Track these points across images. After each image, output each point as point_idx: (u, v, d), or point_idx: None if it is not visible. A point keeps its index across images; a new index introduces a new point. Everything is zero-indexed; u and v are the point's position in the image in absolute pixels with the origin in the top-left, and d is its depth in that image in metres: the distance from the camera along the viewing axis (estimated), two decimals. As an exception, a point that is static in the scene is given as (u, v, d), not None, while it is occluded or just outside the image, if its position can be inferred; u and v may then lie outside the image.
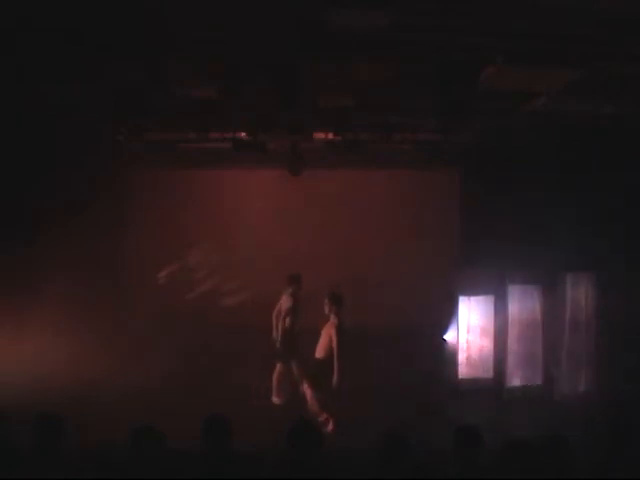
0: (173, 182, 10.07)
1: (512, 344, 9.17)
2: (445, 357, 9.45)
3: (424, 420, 7.18)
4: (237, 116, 7.98)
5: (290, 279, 8.13)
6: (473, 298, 9.24)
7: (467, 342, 9.23)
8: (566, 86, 6.45)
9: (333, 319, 7.03)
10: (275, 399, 7.89)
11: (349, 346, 7.15)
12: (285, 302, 8.07)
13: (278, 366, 7.97)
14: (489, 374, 9.19)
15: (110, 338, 9.25)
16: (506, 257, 8.88)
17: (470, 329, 9.25)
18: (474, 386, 9.01)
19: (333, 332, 6.93)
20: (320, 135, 8.55)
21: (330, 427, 6.99)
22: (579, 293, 9.26)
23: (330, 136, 8.50)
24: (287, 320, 8.01)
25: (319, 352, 7.10)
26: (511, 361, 9.15)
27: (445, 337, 10.16)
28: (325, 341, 7.03)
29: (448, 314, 9.59)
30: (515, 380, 9.13)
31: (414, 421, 6.94)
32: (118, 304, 9.78)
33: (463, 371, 9.15)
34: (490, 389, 9.02)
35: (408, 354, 9.03)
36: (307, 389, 7.21)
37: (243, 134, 8.40)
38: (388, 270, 9.88)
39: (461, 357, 9.19)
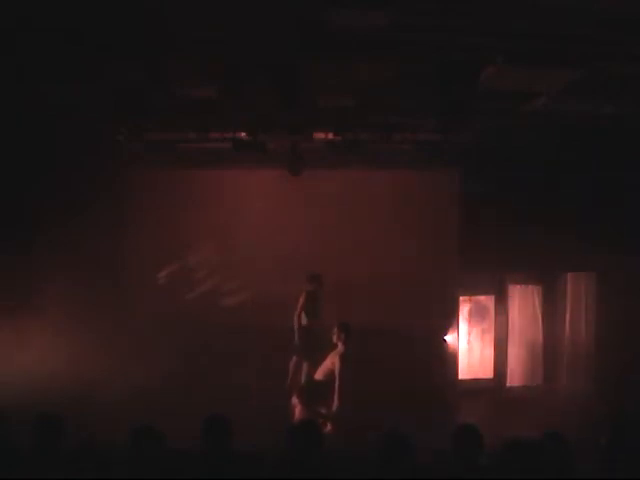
0: (173, 182, 10.04)
1: (512, 344, 9.19)
2: (445, 357, 9.44)
3: (424, 420, 7.18)
4: (237, 116, 7.98)
5: (310, 278, 8.38)
6: (473, 298, 9.25)
7: (467, 342, 9.24)
8: (566, 86, 6.45)
9: (340, 347, 7.04)
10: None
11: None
12: (301, 300, 8.41)
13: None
14: (489, 374, 9.20)
15: (110, 338, 9.24)
16: (506, 257, 8.89)
17: (470, 329, 9.26)
18: (474, 386, 9.02)
19: (337, 360, 6.92)
20: (320, 135, 8.54)
21: (329, 427, 6.99)
22: (579, 293, 9.28)
23: (330, 136, 8.49)
24: (303, 317, 8.39)
25: (319, 375, 7.14)
26: (511, 361, 9.16)
27: (445, 337, 10.16)
28: (328, 366, 7.03)
29: (448, 314, 9.58)
30: (515, 380, 9.14)
31: (414, 421, 6.94)
32: (118, 304, 9.77)
33: (463, 371, 9.16)
34: (490, 389, 9.03)
35: (408, 354, 9.02)
36: (297, 404, 7.21)
37: (243, 134, 8.40)
38: (388, 270, 9.86)
39: (461, 357, 9.20)
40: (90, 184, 9.45)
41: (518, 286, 9.21)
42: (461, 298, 9.23)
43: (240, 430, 3.99)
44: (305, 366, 8.28)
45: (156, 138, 8.53)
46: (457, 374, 9.12)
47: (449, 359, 9.32)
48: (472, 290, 9.21)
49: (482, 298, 9.23)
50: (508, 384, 9.09)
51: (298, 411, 7.09)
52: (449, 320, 9.58)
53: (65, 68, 6.15)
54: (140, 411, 6.68)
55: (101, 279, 9.52)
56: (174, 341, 9.23)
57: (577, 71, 6.01)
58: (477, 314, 9.24)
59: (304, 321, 8.43)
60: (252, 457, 3.94)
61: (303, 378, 8.21)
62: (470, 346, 9.23)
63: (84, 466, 3.77)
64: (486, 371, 9.19)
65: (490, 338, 9.21)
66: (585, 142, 8.54)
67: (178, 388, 8.18)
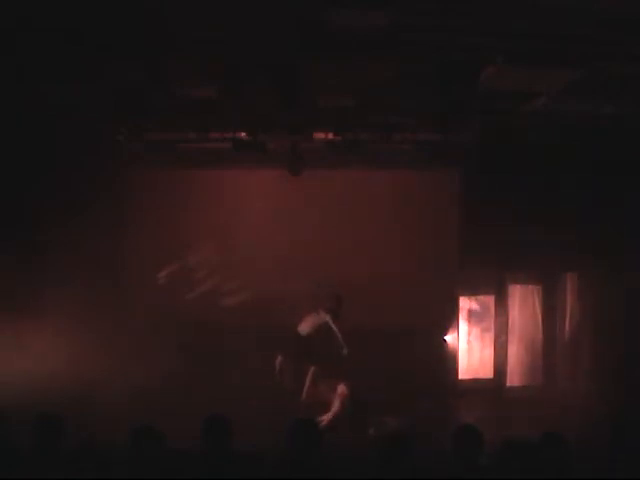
0: (173, 182, 10.04)
1: (512, 344, 9.19)
2: (445, 357, 9.44)
3: (424, 420, 7.18)
4: (237, 116, 7.99)
5: (329, 297, 8.04)
6: (473, 298, 9.25)
7: (467, 342, 9.24)
8: (566, 86, 6.46)
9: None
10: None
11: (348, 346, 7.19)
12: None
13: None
14: (489, 374, 9.20)
15: (110, 338, 9.24)
16: (506, 257, 8.89)
17: (470, 329, 9.26)
18: (474, 386, 9.02)
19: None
20: (320, 135, 8.54)
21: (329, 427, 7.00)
22: (579, 293, 9.28)
23: (330, 136, 8.49)
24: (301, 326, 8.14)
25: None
26: (511, 361, 9.17)
27: (445, 337, 10.16)
28: None
29: (448, 314, 9.58)
30: (515, 380, 9.14)
31: (414, 421, 6.94)
32: (118, 304, 9.76)
33: (463, 371, 9.16)
34: (490, 389, 9.03)
35: (408, 354, 9.02)
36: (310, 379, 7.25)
37: (243, 134, 8.40)
38: (388, 270, 9.86)
39: (461, 357, 9.20)
40: (90, 184, 9.44)
41: (518, 286, 9.21)
42: (461, 298, 9.22)
43: (240, 430, 3.99)
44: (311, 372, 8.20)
45: (156, 138, 8.53)
46: (457, 374, 9.12)
47: (449, 359, 9.33)
48: (472, 290, 9.21)
49: (482, 298, 9.23)
50: (508, 384, 9.09)
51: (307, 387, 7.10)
52: (449, 320, 9.59)
53: (65, 68, 6.15)
54: (140, 411, 6.69)
55: (101, 279, 9.52)
56: (174, 341, 9.23)
57: (577, 71, 6.02)
58: (477, 314, 9.24)
59: (303, 331, 8.22)
60: (252, 457, 3.94)
61: (308, 381, 8.15)
62: (470, 346, 9.23)
63: (84, 466, 3.77)
64: (486, 371, 9.19)
65: (490, 338, 9.22)
66: (585, 142, 8.54)
67: (178, 388, 8.18)
